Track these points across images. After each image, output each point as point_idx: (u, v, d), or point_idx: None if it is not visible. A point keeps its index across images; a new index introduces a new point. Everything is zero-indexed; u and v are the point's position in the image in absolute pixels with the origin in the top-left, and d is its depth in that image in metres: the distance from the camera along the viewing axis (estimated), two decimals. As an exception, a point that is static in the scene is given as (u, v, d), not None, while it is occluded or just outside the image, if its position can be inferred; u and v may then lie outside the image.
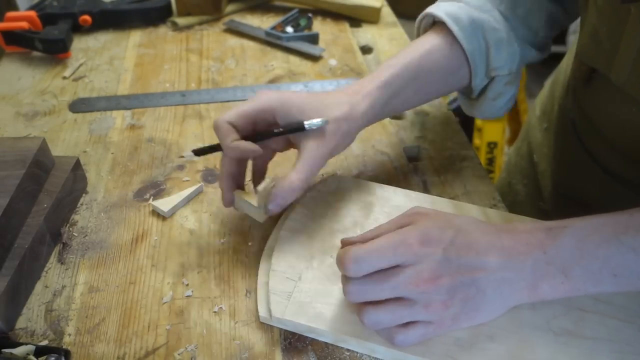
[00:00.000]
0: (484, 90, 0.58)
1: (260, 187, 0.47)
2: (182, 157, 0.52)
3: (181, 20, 0.92)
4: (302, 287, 0.47)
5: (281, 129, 0.48)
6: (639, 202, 0.42)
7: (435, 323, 0.41)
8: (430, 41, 0.55)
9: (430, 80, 0.55)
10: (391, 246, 0.40)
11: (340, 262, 0.41)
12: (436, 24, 0.57)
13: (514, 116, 1.79)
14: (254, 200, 0.49)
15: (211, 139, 0.67)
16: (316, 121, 0.47)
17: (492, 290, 0.41)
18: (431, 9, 0.56)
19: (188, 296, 0.49)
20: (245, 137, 0.49)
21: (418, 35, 0.60)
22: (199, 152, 0.52)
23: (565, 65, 0.70)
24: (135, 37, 0.90)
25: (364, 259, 0.40)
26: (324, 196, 0.55)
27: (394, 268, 0.40)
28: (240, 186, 0.52)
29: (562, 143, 0.68)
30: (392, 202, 0.55)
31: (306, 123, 0.47)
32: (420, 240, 0.40)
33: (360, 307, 0.42)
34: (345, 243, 0.44)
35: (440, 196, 0.56)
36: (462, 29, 0.53)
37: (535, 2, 0.56)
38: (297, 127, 0.48)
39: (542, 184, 0.73)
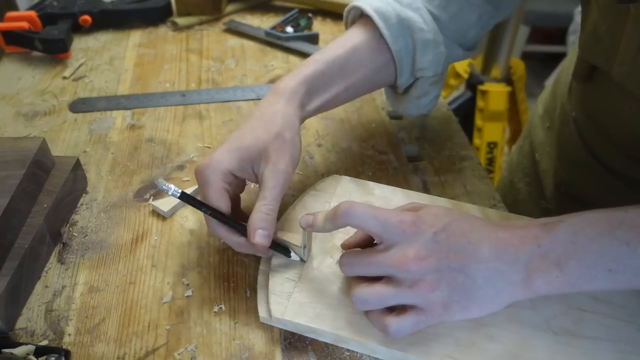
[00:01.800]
0: (408, 88, 0.58)
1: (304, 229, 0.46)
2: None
3: (181, 20, 0.92)
4: (302, 287, 0.47)
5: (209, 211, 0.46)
6: None
7: (425, 309, 0.41)
8: (357, 37, 0.54)
9: (358, 77, 0.54)
10: (385, 215, 0.41)
11: (334, 209, 0.42)
12: (363, 17, 0.56)
13: (513, 116, 1.79)
14: (294, 240, 0.48)
15: (211, 140, 0.67)
16: (169, 188, 0.44)
17: (483, 279, 0.41)
18: (359, 2, 0.55)
19: (188, 296, 0.49)
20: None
21: (346, 26, 0.60)
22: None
23: (568, 64, 0.70)
24: (135, 37, 0.90)
25: (358, 211, 0.41)
26: (323, 196, 0.55)
27: (384, 246, 0.42)
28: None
29: (565, 141, 0.68)
30: (392, 202, 0.55)
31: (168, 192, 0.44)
32: (412, 222, 0.41)
33: (352, 288, 0.43)
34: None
35: (440, 196, 0.56)
36: (389, 28, 0.53)
37: (467, 1, 0.55)
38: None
39: (544, 182, 0.73)
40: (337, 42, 0.54)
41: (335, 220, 0.42)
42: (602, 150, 0.60)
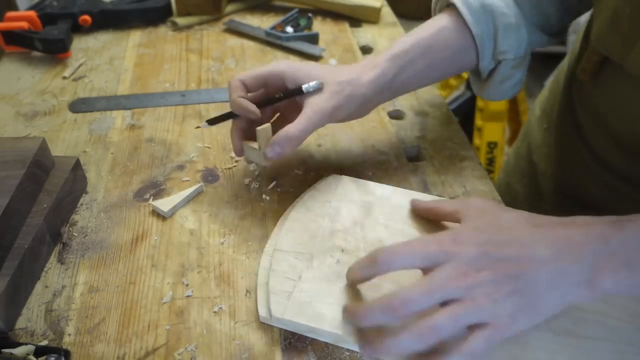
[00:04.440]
0: (491, 72, 0.59)
1: (260, 127, 0.51)
2: (199, 127, 0.59)
3: (181, 20, 0.92)
4: (302, 287, 0.47)
5: (281, 94, 0.53)
6: None
7: (491, 323, 0.38)
8: (441, 22, 0.57)
9: (439, 58, 0.57)
10: (422, 246, 0.40)
11: (371, 258, 0.41)
12: (449, 6, 0.59)
13: (514, 116, 1.79)
14: (256, 145, 0.52)
15: (211, 140, 0.67)
16: (313, 83, 0.51)
17: (545, 282, 0.39)
18: None
19: (188, 296, 0.49)
20: (254, 102, 0.52)
21: (433, 16, 0.62)
22: (213, 122, 0.55)
23: (567, 65, 0.69)
24: (135, 37, 0.90)
25: (397, 255, 0.40)
26: (324, 196, 0.55)
27: (433, 270, 0.39)
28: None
29: (563, 142, 0.68)
30: (392, 201, 0.55)
31: (304, 86, 0.52)
32: (452, 240, 0.40)
33: (418, 324, 0.38)
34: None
35: (441, 196, 0.56)
36: (471, 13, 0.55)
37: None
38: (296, 90, 0.52)
39: (542, 184, 0.73)
40: (422, 26, 0.58)
41: (375, 270, 0.41)
42: (603, 149, 0.59)
